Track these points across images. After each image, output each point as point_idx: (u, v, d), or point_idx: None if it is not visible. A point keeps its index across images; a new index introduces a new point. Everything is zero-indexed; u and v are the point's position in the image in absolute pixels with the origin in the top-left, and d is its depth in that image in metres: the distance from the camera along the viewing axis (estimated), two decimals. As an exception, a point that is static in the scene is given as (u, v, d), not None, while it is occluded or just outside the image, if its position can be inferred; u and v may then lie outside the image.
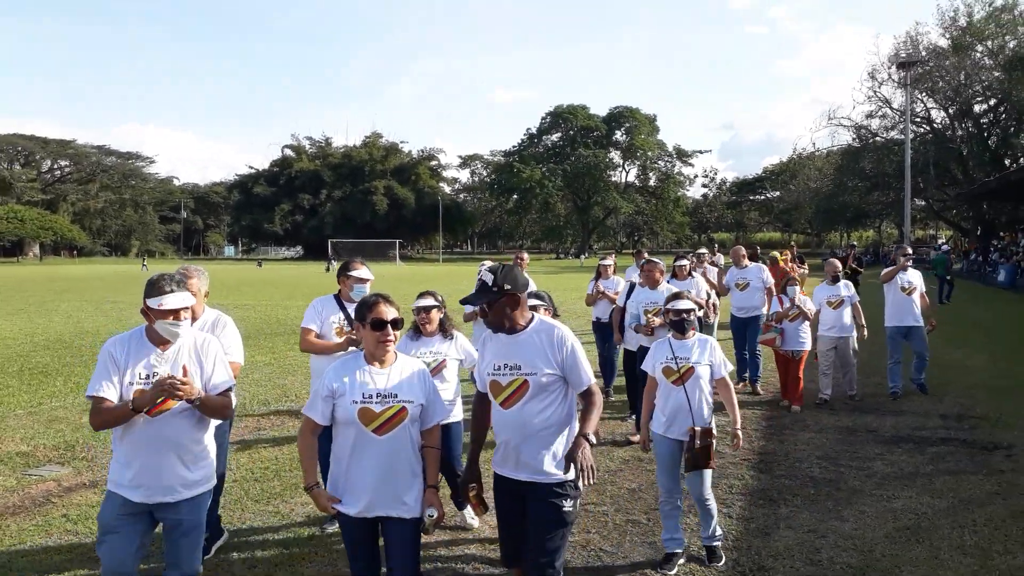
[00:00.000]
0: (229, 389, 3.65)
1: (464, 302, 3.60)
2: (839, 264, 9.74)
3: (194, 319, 4.50)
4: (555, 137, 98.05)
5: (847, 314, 9.37)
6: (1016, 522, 5.46)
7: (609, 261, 10.23)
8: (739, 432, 4.95)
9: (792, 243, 28.59)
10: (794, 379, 9.16)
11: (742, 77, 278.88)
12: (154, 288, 3.51)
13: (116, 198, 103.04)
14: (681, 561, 4.82)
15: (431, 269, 61.50)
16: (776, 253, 16.95)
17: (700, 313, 9.44)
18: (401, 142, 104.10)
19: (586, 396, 3.51)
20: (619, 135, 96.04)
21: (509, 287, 3.43)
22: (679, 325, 5.00)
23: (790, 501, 5.99)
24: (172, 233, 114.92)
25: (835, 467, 6.85)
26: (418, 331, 5.22)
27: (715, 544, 4.92)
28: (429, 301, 5.19)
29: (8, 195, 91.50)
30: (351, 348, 4.89)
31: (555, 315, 4.36)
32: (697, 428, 4.72)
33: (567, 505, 3.48)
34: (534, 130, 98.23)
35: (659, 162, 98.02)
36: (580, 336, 4.03)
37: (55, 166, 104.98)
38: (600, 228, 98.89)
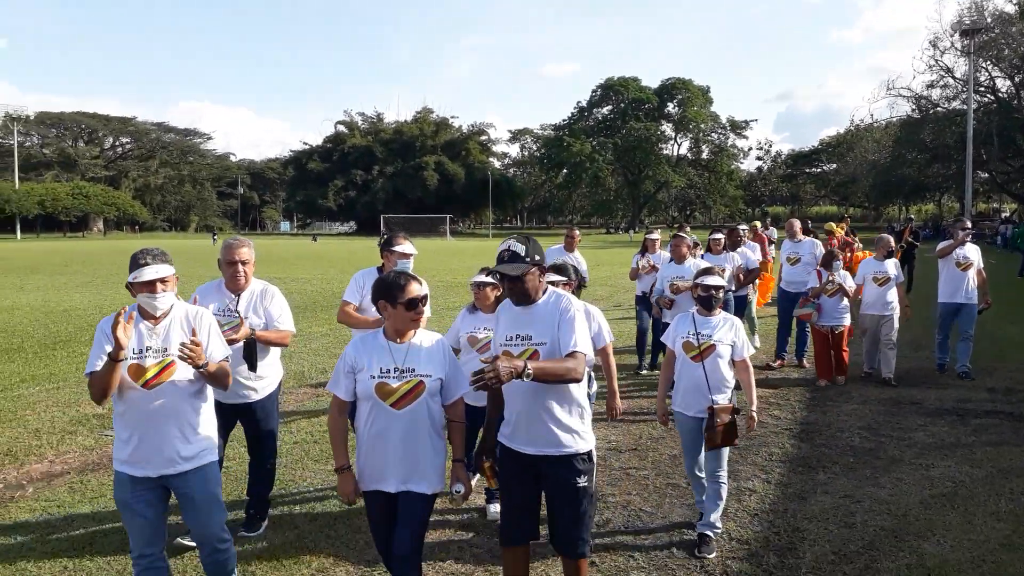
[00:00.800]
0: (226, 359, 3.70)
1: (494, 272, 3.56)
2: (892, 241, 9.48)
3: (241, 289, 4.69)
4: (606, 110, 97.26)
5: (892, 293, 9.12)
6: (1054, 491, 5.55)
7: (656, 235, 10.23)
8: (754, 414, 4.78)
9: (846, 215, 28.14)
10: (837, 354, 9.08)
11: (798, 46, 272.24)
12: (133, 263, 3.53)
13: (175, 174, 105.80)
14: (686, 551, 4.71)
15: (481, 244, 61.88)
16: (832, 224, 16.81)
17: (736, 289, 9.62)
18: (452, 117, 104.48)
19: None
20: (671, 107, 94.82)
21: (539, 258, 3.46)
22: (706, 301, 4.90)
23: (829, 468, 6.16)
24: (230, 209, 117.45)
25: (876, 437, 6.97)
26: (475, 307, 5.30)
27: (708, 533, 4.77)
28: (485, 278, 5.17)
29: (73, 172, 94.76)
30: None
31: (580, 287, 4.59)
32: (716, 406, 4.68)
33: (582, 481, 3.47)
34: (584, 103, 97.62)
35: (712, 135, 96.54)
36: (619, 310, 4.24)
37: (117, 143, 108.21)
38: (651, 202, 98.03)
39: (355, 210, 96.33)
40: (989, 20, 52.30)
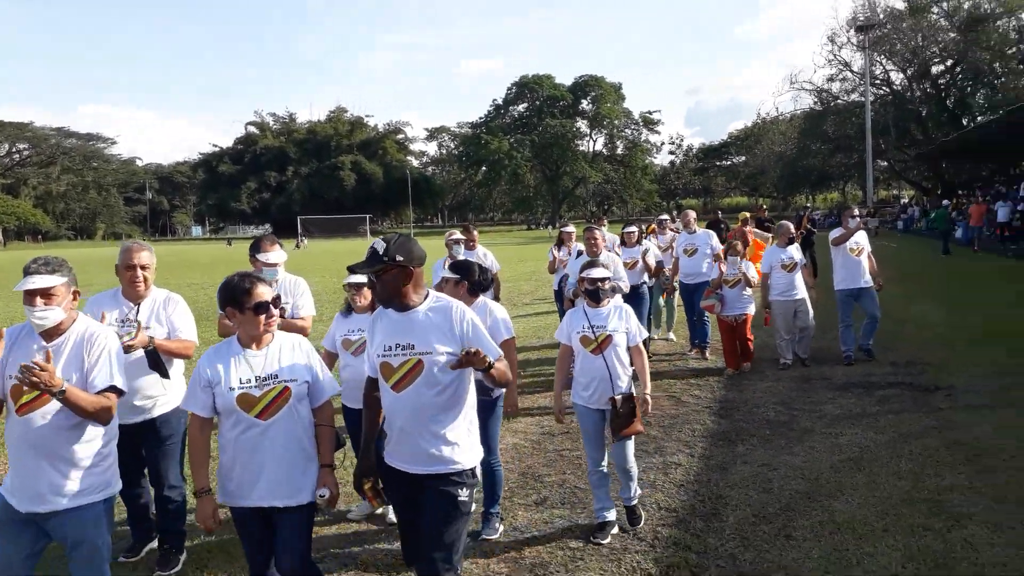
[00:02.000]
0: (113, 390, 3.28)
1: (351, 269, 3.33)
2: (792, 227, 9.76)
3: (141, 297, 4.39)
4: (522, 108, 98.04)
5: (800, 277, 9.34)
6: (948, 451, 6.06)
7: (570, 228, 10.65)
8: (648, 397, 4.82)
9: (762, 206, 29.29)
10: (742, 342, 9.18)
11: (706, 41, 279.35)
12: (24, 271, 3.27)
13: (79, 180, 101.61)
14: (614, 531, 4.80)
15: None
16: (746, 214, 17.50)
17: (648, 280, 9.79)
18: (366, 116, 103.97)
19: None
20: (585, 104, 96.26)
21: (401, 258, 3.17)
22: (594, 294, 4.89)
23: (747, 441, 6.56)
24: (138, 215, 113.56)
25: (789, 411, 7.44)
26: (350, 308, 5.09)
27: (634, 503, 4.94)
28: (361, 278, 4.91)
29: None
30: None
31: (482, 287, 4.68)
32: (618, 397, 4.69)
33: (463, 494, 3.23)
34: (500, 101, 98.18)
35: (626, 130, 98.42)
36: (544, 303, 4.49)
37: (13, 149, 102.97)
38: (570, 198, 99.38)
39: (270, 212, 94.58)
40: (881, 16, 55.17)
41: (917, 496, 5.17)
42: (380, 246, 3.20)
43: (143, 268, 4.36)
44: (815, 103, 64.54)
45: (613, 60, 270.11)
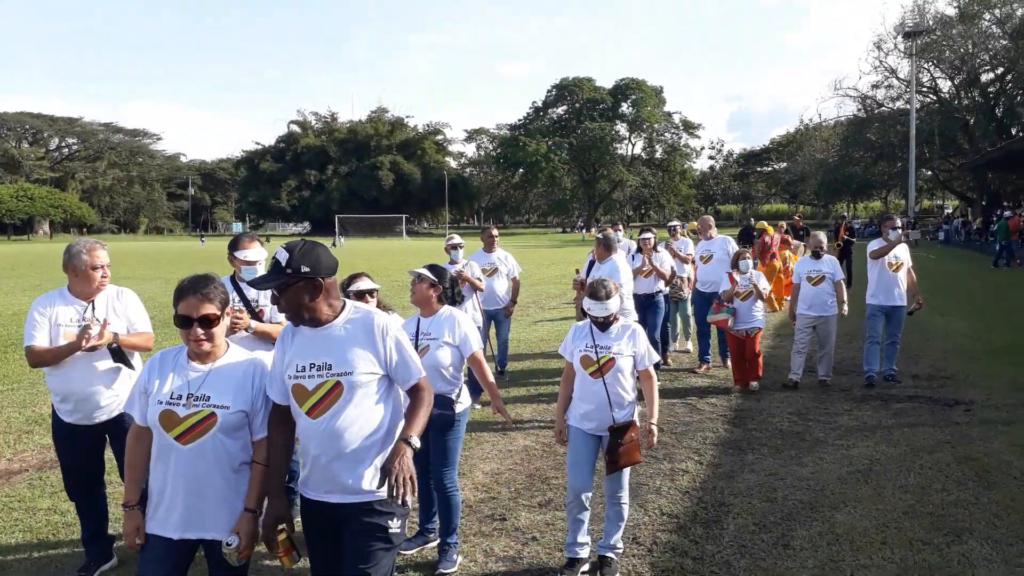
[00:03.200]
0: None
1: (252, 284, 3.00)
2: (823, 237, 9.21)
3: (95, 295, 4.28)
4: (561, 110, 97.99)
5: (829, 292, 8.74)
6: (959, 466, 6.03)
7: (649, 235, 9.64)
8: (654, 427, 4.41)
9: (796, 215, 29.01)
10: (752, 356, 8.67)
11: (751, 47, 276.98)
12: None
13: (124, 175, 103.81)
14: (584, 568, 4.38)
15: (436, 243, 61.97)
16: (764, 223, 17.30)
17: (664, 288, 9.52)
18: (406, 117, 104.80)
19: (414, 393, 2.96)
20: (625, 107, 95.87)
21: (308, 269, 2.82)
22: (601, 325, 4.48)
23: (757, 450, 6.58)
24: (180, 210, 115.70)
25: (804, 421, 7.43)
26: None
27: (611, 556, 4.42)
28: (365, 284, 4.61)
29: (17, 173, 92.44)
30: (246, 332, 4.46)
31: (452, 302, 4.63)
32: (616, 424, 4.34)
33: (394, 525, 2.90)
34: (540, 103, 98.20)
35: (665, 134, 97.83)
36: (571, 308, 4.54)
37: (63, 144, 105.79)
38: (606, 201, 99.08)
39: (309, 210, 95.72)
40: (931, 22, 54.11)
41: (921, 510, 5.17)
42: (283, 256, 2.83)
43: (107, 266, 4.29)
44: (859, 110, 63.62)
45: (655, 63, 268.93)
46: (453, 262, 8.08)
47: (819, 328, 8.84)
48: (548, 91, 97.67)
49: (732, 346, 8.87)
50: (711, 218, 10.69)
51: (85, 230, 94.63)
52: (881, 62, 59.42)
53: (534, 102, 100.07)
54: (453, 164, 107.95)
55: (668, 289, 9.97)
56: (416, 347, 4.36)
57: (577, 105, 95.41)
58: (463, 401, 4.60)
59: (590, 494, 4.42)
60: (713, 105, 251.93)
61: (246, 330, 4.43)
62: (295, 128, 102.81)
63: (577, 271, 9.09)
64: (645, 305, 9.17)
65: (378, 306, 4.70)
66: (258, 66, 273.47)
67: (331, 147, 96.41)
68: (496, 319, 9.15)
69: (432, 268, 4.70)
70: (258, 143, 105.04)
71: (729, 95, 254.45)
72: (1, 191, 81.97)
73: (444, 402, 4.39)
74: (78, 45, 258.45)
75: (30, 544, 4.82)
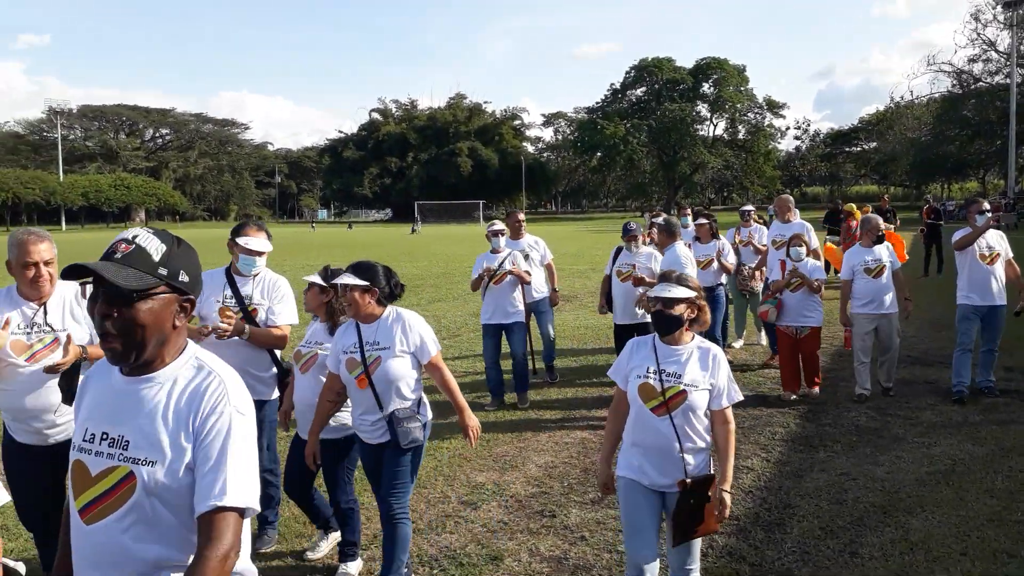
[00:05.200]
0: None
1: (66, 274, 1.84)
2: (880, 221, 7.83)
3: (45, 296, 3.68)
4: (640, 92, 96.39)
5: (888, 285, 7.51)
6: (1054, 469, 5.54)
7: (704, 221, 9.12)
8: (726, 495, 3.33)
9: (884, 196, 27.72)
10: (809, 361, 7.68)
11: (839, 22, 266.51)
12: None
13: (214, 164, 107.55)
14: None
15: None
16: (852, 205, 16.51)
17: (724, 281, 8.81)
18: (484, 102, 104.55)
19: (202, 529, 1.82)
20: (707, 87, 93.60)
21: (185, 280, 1.94)
22: (667, 322, 3.39)
23: (830, 447, 6.21)
24: (268, 197, 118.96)
25: (882, 416, 6.99)
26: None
27: None
28: (349, 279, 3.83)
29: (115, 163, 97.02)
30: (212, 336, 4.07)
31: (392, 297, 3.93)
32: (689, 480, 3.30)
33: None
34: (618, 85, 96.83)
35: (748, 114, 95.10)
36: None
37: (157, 134, 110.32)
38: (687, 184, 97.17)
39: (390, 197, 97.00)
40: (1034, -10, 50.89)
41: (1008, 518, 4.75)
42: (152, 245, 1.89)
43: (46, 264, 3.62)
44: (953, 86, 60.58)
45: (738, 42, 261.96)
46: (495, 250, 7.56)
47: (880, 329, 7.56)
48: (627, 72, 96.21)
49: (782, 345, 7.85)
50: (790, 198, 9.77)
51: (178, 217, 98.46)
52: (979, 34, 56.43)
53: (612, 84, 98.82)
54: (530, 149, 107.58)
55: (727, 280, 9.23)
56: (364, 360, 3.82)
57: (656, 86, 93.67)
58: (423, 416, 4.00)
59: (656, 565, 3.36)
60: (799, 84, 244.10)
61: (239, 335, 4.11)
62: (376, 116, 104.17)
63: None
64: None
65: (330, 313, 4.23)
66: (341, 56, 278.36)
67: (411, 134, 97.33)
68: (536, 311, 8.29)
69: (356, 269, 3.85)
70: (341, 131, 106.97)
71: (816, 73, 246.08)
72: (100, 181, 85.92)
73: (409, 417, 3.86)
74: (170, 39, 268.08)
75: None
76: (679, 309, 3.34)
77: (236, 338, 4.12)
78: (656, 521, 3.41)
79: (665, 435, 3.32)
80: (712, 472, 3.40)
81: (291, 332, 4.57)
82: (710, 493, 3.32)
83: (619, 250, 7.85)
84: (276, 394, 4.38)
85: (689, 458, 3.32)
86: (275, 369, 4.47)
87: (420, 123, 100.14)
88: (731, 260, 8.76)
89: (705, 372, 3.36)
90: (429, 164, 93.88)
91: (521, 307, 7.55)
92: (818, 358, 7.84)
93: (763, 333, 10.26)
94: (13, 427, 3.73)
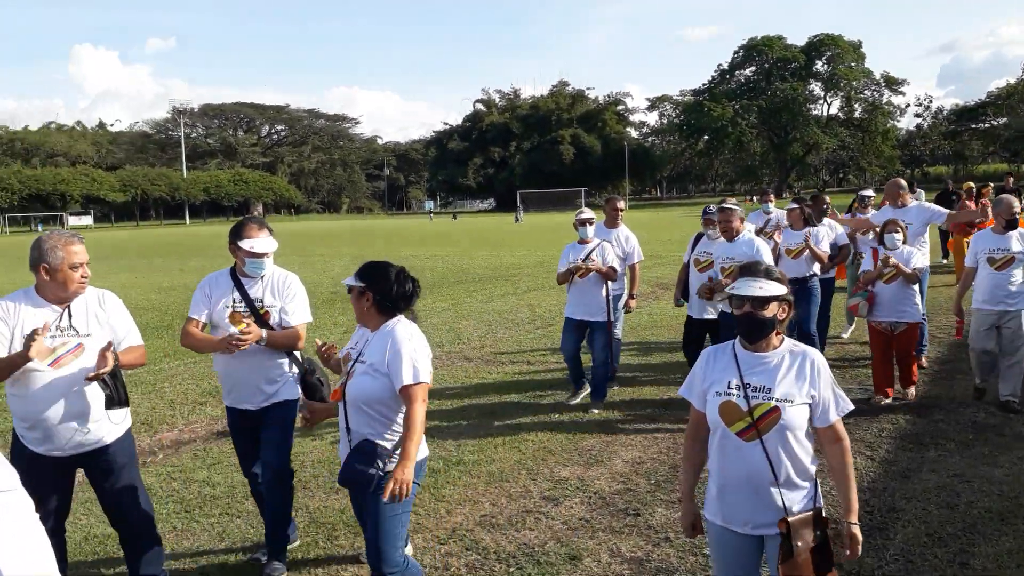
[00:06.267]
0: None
1: None
2: (1015, 202, 6.75)
3: (66, 301, 3.55)
4: (749, 72, 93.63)
5: (1017, 279, 6.53)
6: None
7: (792, 205, 8.26)
8: (855, 529, 2.80)
9: (1009, 175, 25.86)
10: (904, 360, 6.94)
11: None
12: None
13: (327, 158, 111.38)
14: None
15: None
16: (971, 184, 15.38)
17: (819, 272, 7.83)
18: (587, 88, 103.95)
19: None
20: (820, 65, 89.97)
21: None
22: (754, 326, 2.80)
23: (942, 445, 5.77)
24: (377, 190, 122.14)
25: (1003, 412, 6.45)
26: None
27: None
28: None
29: (234, 159, 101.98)
30: (240, 344, 3.94)
31: (396, 307, 3.38)
32: (793, 519, 2.70)
33: None
34: (725, 66, 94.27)
35: (865, 92, 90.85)
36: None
37: (272, 131, 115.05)
38: (800, 166, 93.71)
39: (493, 187, 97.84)
40: None
41: None
42: None
43: (87, 265, 3.57)
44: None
45: (853, 17, 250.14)
46: (583, 241, 7.16)
47: (1004, 329, 6.56)
48: (735, 52, 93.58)
49: (875, 343, 7.02)
50: (902, 181, 8.85)
51: (293, 210, 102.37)
52: None
53: (720, 65, 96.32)
54: (634, 134, 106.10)
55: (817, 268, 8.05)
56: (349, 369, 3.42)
57: (767, 65, 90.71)
58: (393, 460, 3.27)
59: None
60: (920, 59, 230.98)
61: (258, 342, 3.98)
62: (480, 107, 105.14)
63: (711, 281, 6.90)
64: (795, 292, 7.55)
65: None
66: (447, 49, 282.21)
67: (514, 123, 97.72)
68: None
69: (362, 271, 3.42)
70: (446, 123, 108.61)
71: (939, 47, 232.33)
72: (220, 176, 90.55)
73: (370, 453, 3.21)
74: (284, 38, 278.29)
75: (177, 515, 5.05)
76: (771, 309, 2.76)
77: (256, 345, 3.99)
78: (757, 573, 2.91)
79: (756, 465, 2.74)
80: (819, 505, 2.81)
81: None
82: (817, 534, 2.73)
83: (699, 236, 7.42)
84: (299, 392, 4.17)
85: (787, 491, 2.75)
86: (295, 368, 4.26)
87: (523, 112, 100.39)
88: (824, 248, 7.86)
89: (801, 382, 2.76)
90: (532, 153, 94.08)
91: (606, 306, 7.05)
92: (914, 357, 7.16)
93: (851, 327, 9.66)
94: (28, 436, 3.52)
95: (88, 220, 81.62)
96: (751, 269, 2.88)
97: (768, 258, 6.43)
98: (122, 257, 30.36)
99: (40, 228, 73.08)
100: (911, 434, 6.07)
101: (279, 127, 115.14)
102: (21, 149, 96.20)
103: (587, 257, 6.99)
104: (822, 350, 8.35)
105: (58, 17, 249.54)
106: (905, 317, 6.84)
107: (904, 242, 7.01)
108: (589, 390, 7.27)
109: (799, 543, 2.67)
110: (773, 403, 2.72)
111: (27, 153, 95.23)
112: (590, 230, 7.18)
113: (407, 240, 35.54)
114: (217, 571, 4.32)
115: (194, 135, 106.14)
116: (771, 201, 9.35)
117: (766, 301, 2.75)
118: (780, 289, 2.78)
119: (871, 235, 8.20)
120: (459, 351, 9.85)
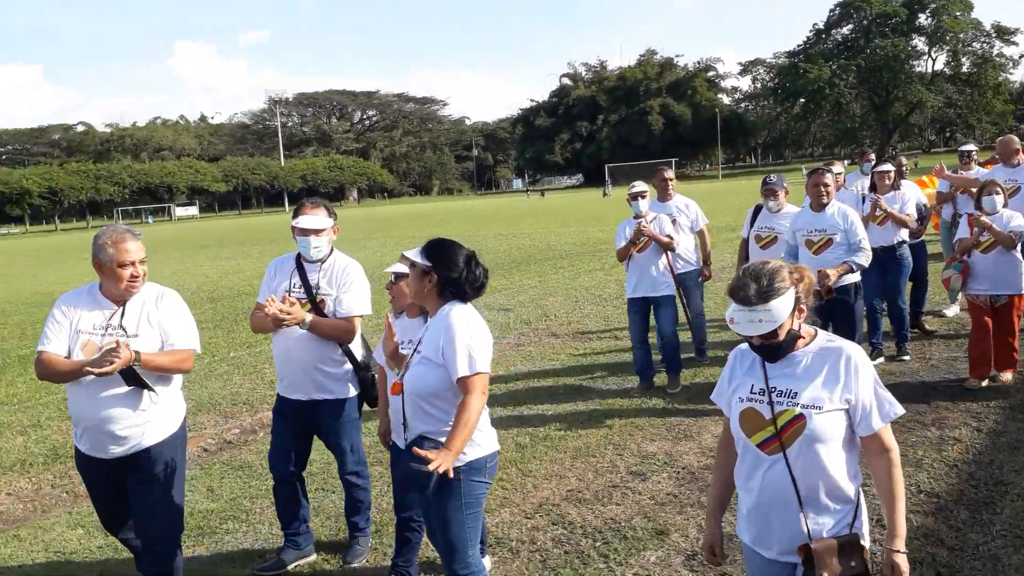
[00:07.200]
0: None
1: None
2: None
3: (127, 297, 3.45)
4: (846, 30, 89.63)
5: None
6: None
7: (887, 167, 7.57)
8: (899, 557, 2.32)
9: None
10: (1003, 338, 6.18)
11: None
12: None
13: (417, 141, 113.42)
14: None
15: (710, 187, 60.01)
16: None
17: (908, 238, 7.24)
18: (676, 56, 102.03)
19: None
20: (923, 18, 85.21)
21: None
22: (769, 353, 2.41)
23: (1057, 416, 5.43)
24: (466, 171, 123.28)
25: None
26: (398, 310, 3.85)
27: None
28: (398, 266, 3.57)
29: (329, 146, 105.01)
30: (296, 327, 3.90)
31: (461, 292, 3.11)
32: (816, 544, 2.32)
33: None
34: (821, 25, 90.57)
35: (973, 44, 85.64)
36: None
37: (364, 116, 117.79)
38: (903, 127, 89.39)
39: (581, 162, 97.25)
40: None
41: None
42: None
43: (141, 263, 3.43)
44: None
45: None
46: (637, 216, 6.76)
47: None
48: (831, 11, 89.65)
49: (973, 319, 6.30)
50: (1015, 139, 8.14)
51: (386, 194, 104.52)
52: None
53: (815, 24, 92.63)
54: (726, 101, 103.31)
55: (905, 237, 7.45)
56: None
57: (865, 22, 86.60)
58: (481, 444, 3.06)
59: None
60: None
61: (299, 324, 3.86)
62: (566, 81, 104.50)
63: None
64: (884, 261, 6.99)
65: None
66: (532, 26, 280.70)
67: (601, 96, 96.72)
68: (684, 284, 7.35)
69: (425, 249, 3.11)
70: (532, 100, 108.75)
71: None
72: (316, 163, 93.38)
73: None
74: (371, 24, 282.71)
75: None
76: (784, 328, 2.33)
77: (301, 332, 3.90)
78: None
79: (779, 482, 2.36)
80: (858, 534, 2.38)
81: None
82: (854, 564, 2.30)
83: (758, 209, 7.00)
84: (354, 391, 4.13)
85: (815, 514, 2.36)
86: (349, 364, 4.11)
87: (610, 84, 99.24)
88: (910, 211, 7.23)
89: (834, 384, 2.35)
90: (619, 125, 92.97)
91: (670, 278, 6.80)
92: (1016, 335, 6.34)
93: (955, 305, 8.84)
94: (77, 434, 3.52)
95: (194, 210, 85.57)
96: (741, 294, 2.32)
97: (861, 232, 5.90)
98: (225, 246, 31.66)
99: (151, 220, 77.02)
100: (1022, 404, 5.74)
101: (370, 112, 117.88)
102: (131, 145, 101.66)
103: (640, 229, 6.61)
104: (918, 322, 8.01)
105: (160, 16, 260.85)
106: (1006, 288, 6.09)
107: (1005, 205, 6.24)
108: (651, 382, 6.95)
109: (824, 573, 2.27)
110: (798, 410, 2.34)
111: (136, 148, 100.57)
112: (643, 203, 6.78)
113: (508, 218, 35.69)
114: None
115: (290, 124, 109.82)
116: (871, 162, 8.86)
117: (773, 333, 2.32)
118: (783, 306, 2.29)
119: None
120: (546, 327, 9.86)
